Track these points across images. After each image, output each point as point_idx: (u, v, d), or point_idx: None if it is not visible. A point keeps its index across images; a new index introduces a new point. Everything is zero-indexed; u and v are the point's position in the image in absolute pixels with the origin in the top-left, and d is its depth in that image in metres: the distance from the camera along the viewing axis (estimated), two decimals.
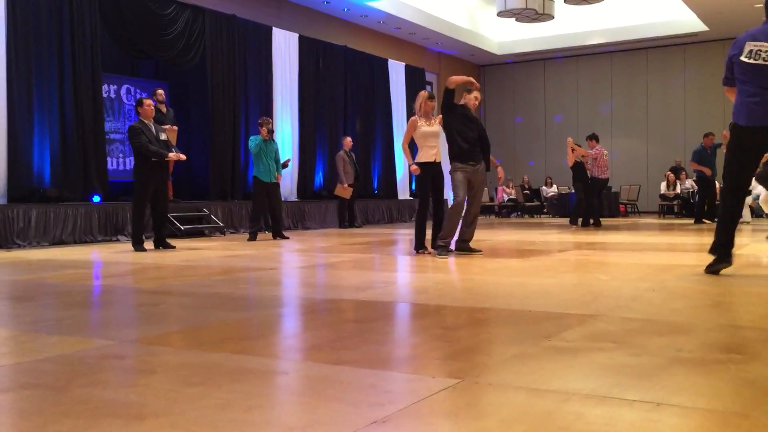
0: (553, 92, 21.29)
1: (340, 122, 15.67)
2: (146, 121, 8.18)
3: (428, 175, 7.04)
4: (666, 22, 18.30)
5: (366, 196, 15.74)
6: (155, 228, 8.40)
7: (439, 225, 6.99)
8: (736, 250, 5.37)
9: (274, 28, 13.92)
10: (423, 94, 7.19)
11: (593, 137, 12.58)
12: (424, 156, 7.04)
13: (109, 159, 11.55)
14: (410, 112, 17.83)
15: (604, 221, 14.02)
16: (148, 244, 8.31)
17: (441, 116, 6.99)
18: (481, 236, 10.73)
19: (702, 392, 2.12)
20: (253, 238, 9.80)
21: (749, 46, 4.81)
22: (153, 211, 8.36)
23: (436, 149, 7.04)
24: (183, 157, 8.57)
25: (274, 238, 10.03)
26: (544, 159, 21.24)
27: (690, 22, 17.61)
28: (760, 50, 4.75)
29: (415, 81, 18.13)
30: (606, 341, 2.81)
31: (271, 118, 13.73)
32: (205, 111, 12.69)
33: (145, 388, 2.23)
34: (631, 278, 4.91)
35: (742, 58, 4.83)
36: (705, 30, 17.73)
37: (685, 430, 1.80)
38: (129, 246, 8.37)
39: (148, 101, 8.45)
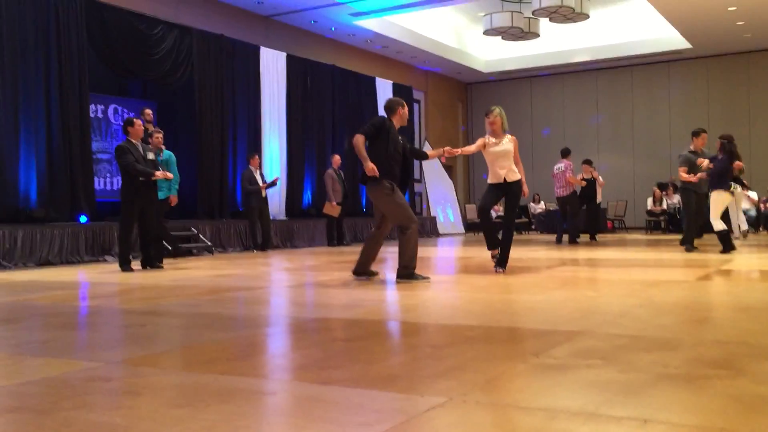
0: (539, 110, 21.44)
1: (328, 140, 15.70)
2: (134, 141, 8.16)
3: (498, 192, 6.79)
4: (650, 40, 18.52)
5: (355, 215, 15.75)
6: (142, 248, 8.36)
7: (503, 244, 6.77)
8: (724, 265, 5.40)
9: (261, 48, 13.97)
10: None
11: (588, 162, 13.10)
12: (492, 177, 6.82)
13: (96, 179, 11.50)
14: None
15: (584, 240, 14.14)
16: (135, 264, 8.26)
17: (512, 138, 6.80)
18: (470, 253, 10.73)
19: (689, 408, 2.12)
20: (128, 267, 8.07)
21: None
22: (140, 230, 8.32)
23: (506, 169, 6.69)
24: (170, 175, 8.57)
25: (147, 265, 8.33)
26: (532, 176, 21.30)
27: (674, 40, 17.83)
28: None
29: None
30: (594, 358, 2.81)
31: (260, 137, 13.76)
32: (193, 130, 12.69)
33: (131, 410, 2.21)
34: (619, 294, 4.92)
35: None
36: (688, 47, 17.95)
37: None
38: (116, 266, 8.32)
39: (138, 121, 8.45)
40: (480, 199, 6.98)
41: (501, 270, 6.70)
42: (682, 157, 9.68)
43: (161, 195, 9.11)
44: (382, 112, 6.47)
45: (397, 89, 18.15)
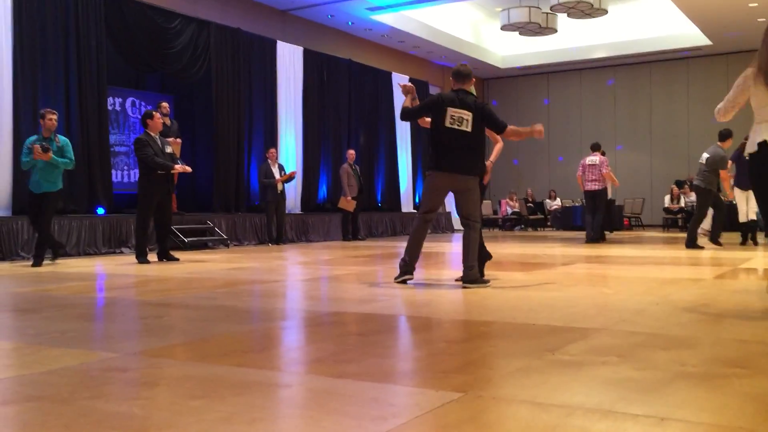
0: (556, 106, 21.33)
1: (344, 135, 15.71)
2: (153, 134, 8.21)
3: None
4: (669, 37, 18.34)
5: (369, 209, 15.75)
6: (159, 240, 8.42)
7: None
8: (742, 264, 5.36)
9: (278, 42, 13.99)
10: None
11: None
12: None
13: (113, 171, 11.58)
14: (414, 125, 17.89)
15: (607, 235, 14.04)
16: (152, 257, 8.31)
17: None
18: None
19: (706, 407, 2.11)
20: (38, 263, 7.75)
21: None
22: (156, 223, 8.37)
23: None
24: (188, 169, 8.62)
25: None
26: (548, 172, 21.24)
27: (693, 36, 17.65)
28: None
29: (419, 94, 18.12)
30: (610, 355, 2.80)
31: (276, 131, 13.80)
32: (210, 124, 12.74)
33: (148, 401, 2.23)
34: (636, 292, 4.89)
35: None
36: (708, 44, 17.77)
37: None
38: (133, 258, 8.38)
39: (157, 114, 8.51)
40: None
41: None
42: (727, 157, 9.68)
43: (49, 188, 7.80)
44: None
45: (414, 84, 18.09)
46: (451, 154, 5.36)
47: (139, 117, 12.69)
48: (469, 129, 5.33)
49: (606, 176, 12.15)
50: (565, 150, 20.77)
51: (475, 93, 5.63)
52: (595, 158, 12.18)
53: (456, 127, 5.33)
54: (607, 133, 20.33)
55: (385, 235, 15.52)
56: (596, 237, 12.06)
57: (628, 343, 3.06)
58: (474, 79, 5.69)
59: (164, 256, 8.31)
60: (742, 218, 10.57)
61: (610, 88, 20.59)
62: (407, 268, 5.53)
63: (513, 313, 3.97)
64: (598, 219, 12.20)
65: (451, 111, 5.36)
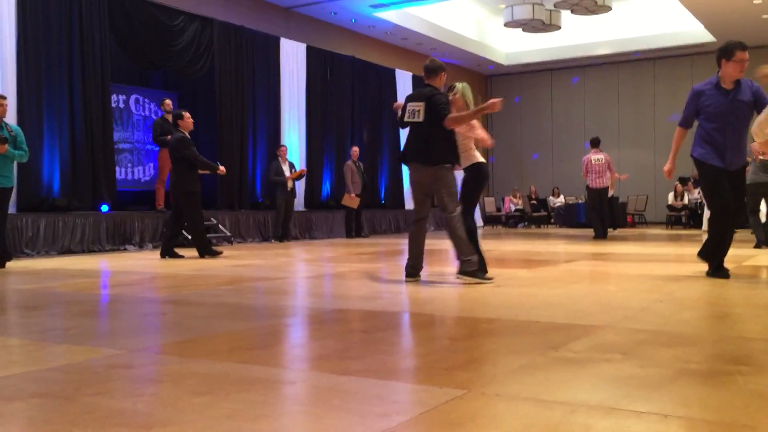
0: (560, 103, 21.29)
1: (347, 132, 15.70)
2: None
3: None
4: (673, 33, 18.29)
5: (373, 206, 15.75)
6: (169, 237, 8.45)
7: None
8: (746, 261, 5.35)
9: (282, 39, 13.99)
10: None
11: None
12: None
13: (117, 169, 11.58)
14: None
15: (610, 232, 14.05)
16: (154, 254, 8.32)
17: None
18: (487, 246, 10.71)
19: (710, 404, 2.11)
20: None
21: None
22: (174, 220, 8.42)
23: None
24: (222, 170, 8.87)
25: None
26: (552, 169, 21.21)
27: (697, 33, 17.60)
28: None
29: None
30: (614, 352, 2.80)
31: (279, 128, 13.80)
32: (213, 121, 12.74)
33: (153, 398, 2.24)
34: (639, 289, 4.89)
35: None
36: (712, 41, 17.71)
37: None
38: (137, 255, 8.41)
39: (187, 114, 8.61)
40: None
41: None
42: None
43: (4, 183, 7.21)
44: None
45: (417, 81, 18.10)
46: (409, 144, 5.59)
47: (143, 114, 12.76)
48: (420, 119, 5.42)
49: (614, 176, 12.23)
50: (568, 147, 20.74)
51: (438, 86, 5.69)
52: (600, 156, 12.18)
53: (412, 119, 5.49)
54: (610, 130, 20.29)
55: (389, 233, 15.52)
56: (605, 233, 12.11)
57: (632, 340, 3.06)
58: (443, 73, 5.76)
59: (167, 254, 8.32)
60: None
61: (614, 85, 20.53)
62: (410, 270, 5.59)
63: (516, 311, 3.97)
64: (606, 215, 12.25)
65: (409, 105, 5.56)
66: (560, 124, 21.27)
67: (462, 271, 5.34)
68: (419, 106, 5.46)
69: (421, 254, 5.65)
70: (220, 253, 8.45)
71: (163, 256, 8.31)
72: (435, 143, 5.41)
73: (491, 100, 5.39)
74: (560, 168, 20.90)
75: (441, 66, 5.77)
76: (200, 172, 8.40)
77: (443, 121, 5.36)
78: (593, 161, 12.19)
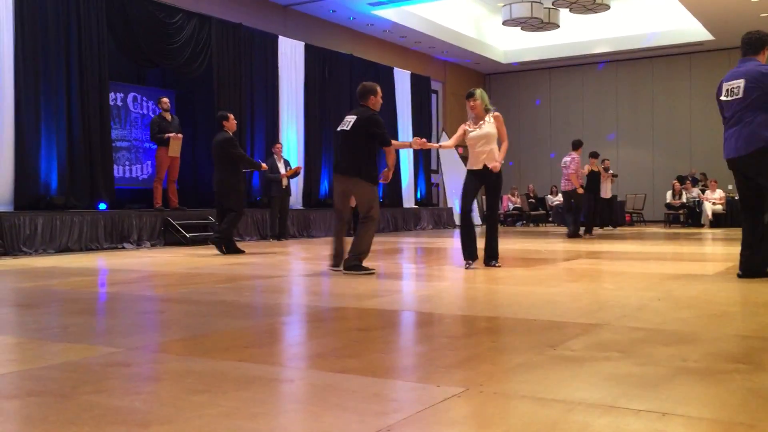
0: (558, 101, 21.29)
1: None
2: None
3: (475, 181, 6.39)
4: (671, 32, 18.30)
5: None
6: (224, 235, 8.62)
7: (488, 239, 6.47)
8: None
9: (280, 37, 13.97)
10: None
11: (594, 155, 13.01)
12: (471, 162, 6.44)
13: (115, 167, 11.57)
14: (415, 120, 17.89)
15: (609, 231, 14.07)
16: (206, 250, 8.52)
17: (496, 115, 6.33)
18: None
19: (708, 402, 2.11)
20: None
21: (726, 86, 5.34)
22: (223, 217, 8.64)
23: (486, 153, 6.26)
24: (266, 167, 9.39)
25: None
26: (550, 167, 21.22)
27: (695, 31, 17.62)
28: (731, 88, 5.26)
29: (420, 89, 18.16)
30: (612, 351, 2.80)
31: (278, 126, 13.79)
32: (211, 119, 12.70)
33: (150, 396, 2.24)
34: (637, 287, 4.89)
35: (721, 98, 5.41)
36: (710, 39, 17.73)
37: None
38: (134, 253, 8.40)
39: (232, 115, 8.81)
40: (461, 194, 6.37)
41: (471, 263, 6.28)
42: None
43: None
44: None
45: (416, 79, 18.10)
46: (337, 155, 6.15)
47: (141, 112, 12.74)
48: (348, 128, 5.99)
49: (571, 176, 12.07)
50: (567, 145, 20.74)
51: (374, 109, 6.16)
52: (567, 158, 12.25)
53: (343, 128, 6.08)
54: (608, 129, 20.31)
55: (387, 231, 15.51)
56: (576, 232, 12.07)
57: (630, 338, 3.06)
58: (373, 97, 6.18)
59: (231, 250, 8.55)
60: None
61: (612, 83, 20.54)
62: (333, 260, 6.28)
63: (514, 309, 3.97)
64: (576, 216, 12.21)
65: (346, 117, 6.19)
66: (558, 122, 21.28)
67: (347, 266, 6.02)
68: (351, 118, 6.06)
69: (340, 249, 6.26)
70: (243, 252, 8.69)
71: (225, 252, 8.47)
72: (359, 156, 5.99)
73: (415, 139, 6.51)
74: (558, 167, 20.89)
75: (369, 89, 6.24)
76: (243, 170, 8.64)
77: (383, 145, 6.04)
78: (562, 163, 12.32)
